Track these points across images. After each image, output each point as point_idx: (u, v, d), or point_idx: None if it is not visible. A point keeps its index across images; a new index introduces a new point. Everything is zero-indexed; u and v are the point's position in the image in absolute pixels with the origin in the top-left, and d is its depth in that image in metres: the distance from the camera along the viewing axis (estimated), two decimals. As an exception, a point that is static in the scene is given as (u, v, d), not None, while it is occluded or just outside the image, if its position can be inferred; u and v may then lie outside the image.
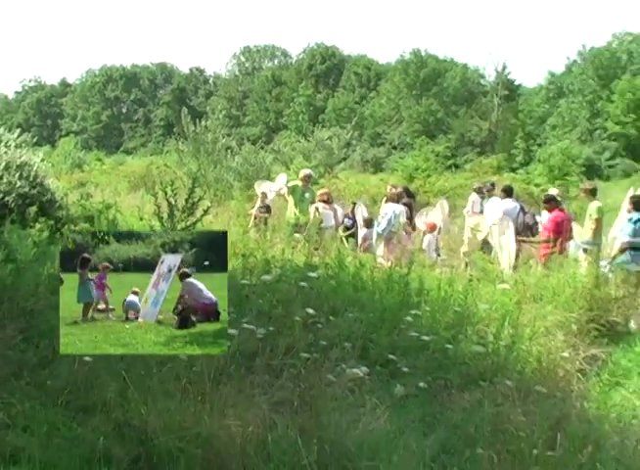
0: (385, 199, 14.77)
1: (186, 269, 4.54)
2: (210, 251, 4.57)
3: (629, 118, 55.12)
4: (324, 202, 13.88)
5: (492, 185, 16.34)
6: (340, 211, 15.08)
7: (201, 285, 4.54)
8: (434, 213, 16.15)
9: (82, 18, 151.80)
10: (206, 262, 4.55)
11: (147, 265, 4.58)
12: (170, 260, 4.55)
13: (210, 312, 4.53)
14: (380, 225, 13.32)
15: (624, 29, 67.25)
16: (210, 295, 4.53)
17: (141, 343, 4.46)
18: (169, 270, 4.54)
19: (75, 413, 4.92)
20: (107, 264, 4.55)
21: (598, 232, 11.68)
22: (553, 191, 14.53)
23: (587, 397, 6.40)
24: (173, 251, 4.58)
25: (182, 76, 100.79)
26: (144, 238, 4.62)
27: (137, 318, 4.49)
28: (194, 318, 4.50)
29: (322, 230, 12.12)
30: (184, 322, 4.48)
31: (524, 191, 26.93)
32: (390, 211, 13.27)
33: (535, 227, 13.09)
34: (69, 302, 4.54)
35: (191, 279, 4.54)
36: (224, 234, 4.80)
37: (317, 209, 13.60)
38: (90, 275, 4.55)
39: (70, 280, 4.56)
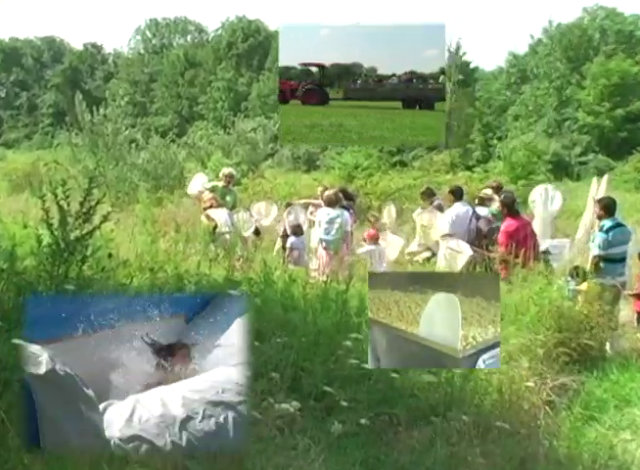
0: (302, 201, 14.91)
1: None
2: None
3: (603, 108, 56.04)
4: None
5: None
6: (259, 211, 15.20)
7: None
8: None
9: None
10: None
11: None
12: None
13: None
14: (331, 233, 13.22)
15: (597, 3, 68.28)
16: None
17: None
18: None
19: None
20: None
21: None
22: (487, 191, 14.65)
23: (556, 433, 6.46)
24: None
25: (75, 54, 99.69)
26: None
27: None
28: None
29: (221, 237, 12.27)
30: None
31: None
32: (336, 217, 13.24)
33: (492, 234, 13.13)
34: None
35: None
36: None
37: (207, 216, 13.74)
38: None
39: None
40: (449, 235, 13.17)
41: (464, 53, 69.01)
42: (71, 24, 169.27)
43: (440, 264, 12.91)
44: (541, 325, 8.32)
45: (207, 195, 14.74)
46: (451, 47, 68.19)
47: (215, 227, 12.95)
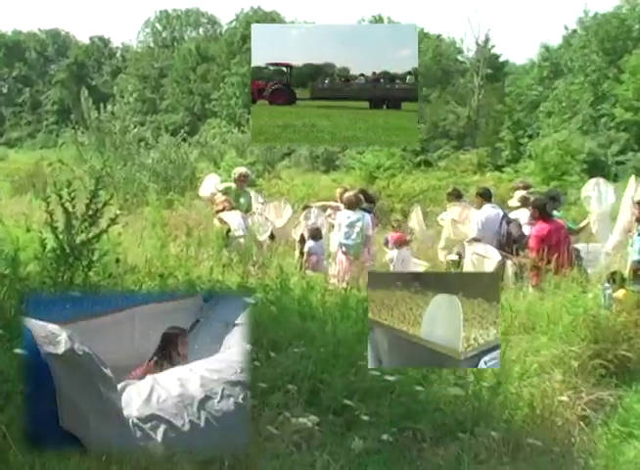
0: (320, 204, 14.87)
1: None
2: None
3: (642, 103, 56.00)
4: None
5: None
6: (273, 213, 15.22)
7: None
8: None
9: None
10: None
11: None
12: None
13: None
14: (351, 237, 13.24)
15: (637, -9, 67.89)
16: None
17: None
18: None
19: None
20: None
21: None
22: (519, 193, 14.42)
23: (592, 452, 6.44)
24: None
25: (81, 48, 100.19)
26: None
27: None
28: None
29: (235, 241, 12.28)
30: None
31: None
32: (357, 220, 13.24)
33: (522, 239, 13.06)
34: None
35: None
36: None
37: (220, 219, 13.74)
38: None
39: None
40: (476, 239, 13.12)
41: (493, 45, 69.26)
42: (77, 17, 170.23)
43: (468, 271, 12.83)
44: (575, 335, 8.27)
45: (220, 197, 14.68)
46: (479, 39, 68.36)
47: (229, 231, 12.95)
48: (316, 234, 14.21)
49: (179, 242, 12.08)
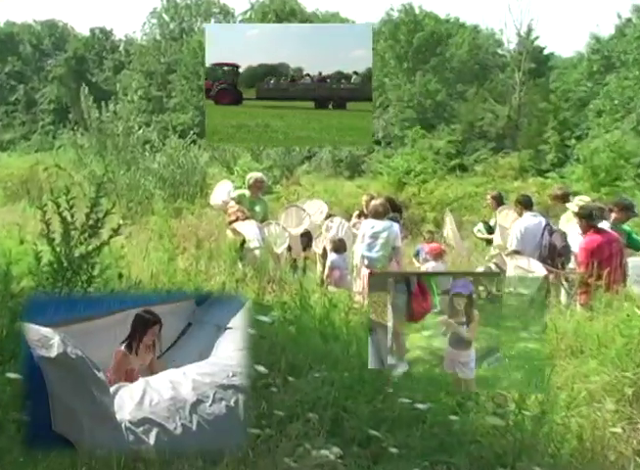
0: (356, 213, 14.87)
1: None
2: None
3: None
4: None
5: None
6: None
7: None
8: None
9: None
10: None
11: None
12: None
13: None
14: (374, 249, 13.23)
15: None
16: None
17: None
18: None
19: None
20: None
21: None
22: (572, 204, 14.30)
23: (648, 489, 6.43)
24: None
25: (80, 41, 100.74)
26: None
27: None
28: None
29: (250, 254, 12.33)
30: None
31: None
32: (382, 230, 13.23)
33: (566, 251, 13.01)
34: None
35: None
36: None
37: (233, 230, 13.79)
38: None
39: None
40: (517, 252, 13.08)
41: (536, 37, 68.92)
42: (76, 7, 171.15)
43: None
44: (630, 360, 8.23)
45: (233, 206, 14.76)
46: (521, 30, 68.17)
47: (243, 243, 12.99)
48: (339, 246, 14.20)
49: (188, 255, 12.13)
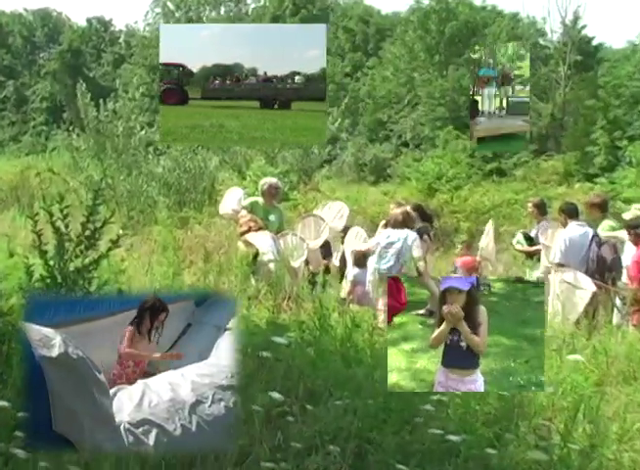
0: (382, 223, 14.85)
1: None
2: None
3: None
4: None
5: None
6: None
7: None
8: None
9: None
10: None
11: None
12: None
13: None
14: (383, 261, 13.20)
15: None
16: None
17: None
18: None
19: None
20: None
21: None
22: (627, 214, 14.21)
23: None
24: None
25: (76, 32, 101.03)
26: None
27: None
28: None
29: (263, 268, 12.35)
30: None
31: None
32: (397, 240, 13.19)
33: (617, 264, 12.86)
34: None
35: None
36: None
37: (245, 241, 13.80)
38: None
39: None
40: (561, 265, 12.96)
41: (584, 26, 68.55)
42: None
43: (553, 304, 12.58)
44: (688, 387, 8.22)
45: (245, 215, 14.73)
46: (567, 18, 67.84)
47: (256, 256, 12.98)
48: (361, 260, 14.16)
49: (195, 269, 12.17)
